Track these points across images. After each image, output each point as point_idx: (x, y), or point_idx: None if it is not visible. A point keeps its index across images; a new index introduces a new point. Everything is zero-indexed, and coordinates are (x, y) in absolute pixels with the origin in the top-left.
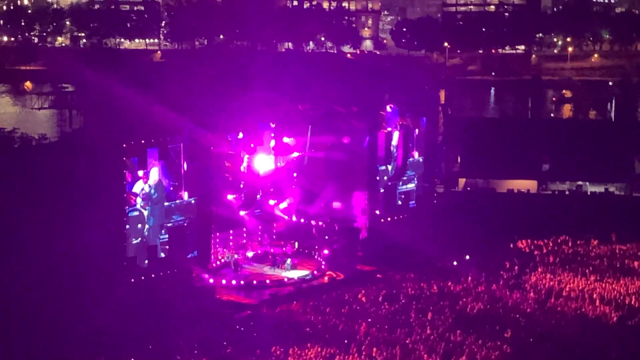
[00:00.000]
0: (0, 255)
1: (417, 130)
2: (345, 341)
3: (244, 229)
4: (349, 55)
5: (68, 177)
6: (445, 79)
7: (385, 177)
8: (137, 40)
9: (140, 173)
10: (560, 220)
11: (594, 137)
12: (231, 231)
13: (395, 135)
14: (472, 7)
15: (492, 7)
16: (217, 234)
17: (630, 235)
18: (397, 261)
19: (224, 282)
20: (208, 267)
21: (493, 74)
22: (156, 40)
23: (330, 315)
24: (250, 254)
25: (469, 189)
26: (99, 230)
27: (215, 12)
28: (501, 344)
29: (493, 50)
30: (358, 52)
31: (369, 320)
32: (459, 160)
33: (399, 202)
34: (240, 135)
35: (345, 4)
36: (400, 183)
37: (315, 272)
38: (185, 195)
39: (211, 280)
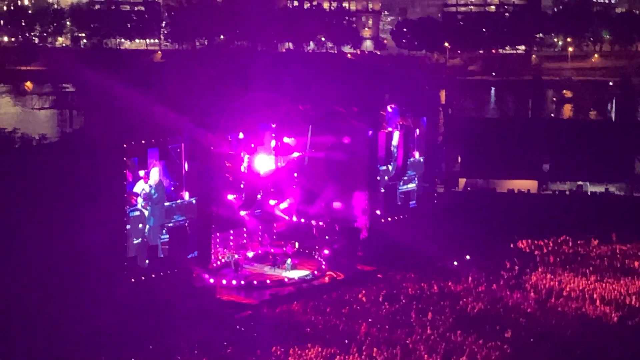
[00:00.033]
0: (1, 255)
1: (417, 130)
2: (346, 341)
3: (245, 229)
4: (349, 55)
5: (69, 177)
6: (445, 79)
7: (386, 177)
8: (137, 41)
9: (141, 173)
10: (561, 220)
11: (594, 137)
12: (231, 231)
13: (396, 135)
14: (472, 7)
15: (493, 7)
16: (218, 234)
17: (631, 235)
18: (397, 261)
19: (224, 282)
20: (208, 267)
21: (493, 74)
22: (156, 41)
23: (330, 315)
24: (250, 254)
25: (469, 189)
26: (100, 230)
27: (215, 13)
28: (501, 344)
29: (493, 51)
30: (358, 52)
31: (370, 320)
32: (459, 160)
33: (400, 202)
34: (241, 136)
35: (345, 4)
36: (401, 183)
37: (315, 272)
38: (186, 195)
39: (211, 280)
